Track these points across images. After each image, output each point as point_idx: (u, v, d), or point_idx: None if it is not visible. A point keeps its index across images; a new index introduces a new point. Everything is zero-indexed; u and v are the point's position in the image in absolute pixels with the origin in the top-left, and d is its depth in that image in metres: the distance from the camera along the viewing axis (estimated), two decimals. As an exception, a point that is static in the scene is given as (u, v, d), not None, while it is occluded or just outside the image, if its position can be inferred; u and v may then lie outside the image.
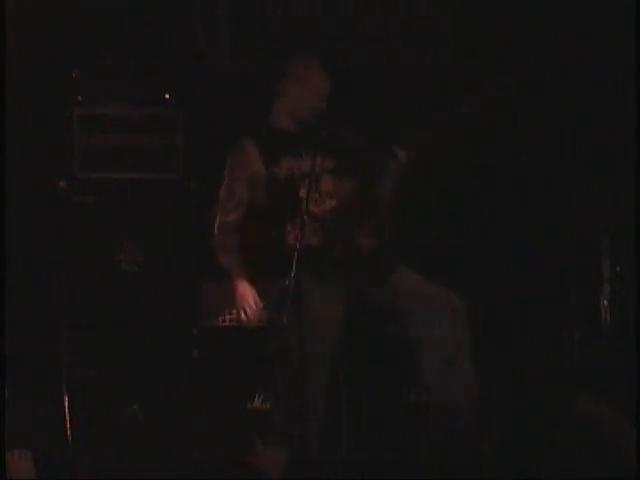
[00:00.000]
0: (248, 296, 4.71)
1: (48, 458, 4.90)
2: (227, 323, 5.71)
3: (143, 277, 5.88)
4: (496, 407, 5.28)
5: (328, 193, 4.69)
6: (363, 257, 4.66)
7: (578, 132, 6.13)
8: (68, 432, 5.53)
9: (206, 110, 6.20)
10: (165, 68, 6.16)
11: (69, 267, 5.88)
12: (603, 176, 5.99)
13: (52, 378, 5.74)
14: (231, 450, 5.21)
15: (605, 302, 5.92)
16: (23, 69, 6.01)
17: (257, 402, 5.59)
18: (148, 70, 6.09)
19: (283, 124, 4.79)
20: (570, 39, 6.13)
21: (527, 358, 5.99)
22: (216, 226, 4.84)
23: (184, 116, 5.98)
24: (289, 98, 4.76)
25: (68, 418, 5.57)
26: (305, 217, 4.38)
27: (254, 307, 4.70)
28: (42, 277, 6.02)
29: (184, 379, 5.71)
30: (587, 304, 5.98)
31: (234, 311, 5.06)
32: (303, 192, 4.52)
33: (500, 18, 6.22)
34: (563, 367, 5.92)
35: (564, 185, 6.18)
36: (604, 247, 5.95)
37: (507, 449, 4.51)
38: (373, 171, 4.70)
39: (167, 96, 6.01)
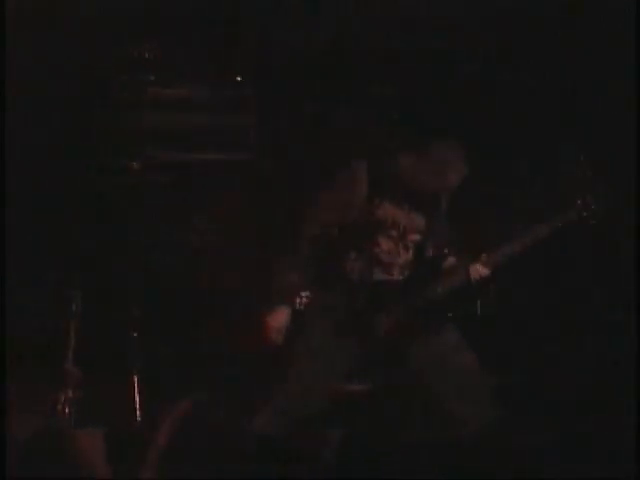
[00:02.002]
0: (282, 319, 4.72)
1: (119, 437, 4.90)
2: (302, 306, 5.67)
3: (216, 258, 5.89)
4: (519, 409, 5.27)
5: (407, 246, 4.72)
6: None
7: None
8: (138, 412, 5.54)
9: (280, 91, 6.18)
10: (240, 50, 6.15)
11: (141, 247, 5.89)
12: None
13: (122, 358, 5.75)
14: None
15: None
16: (93, 51, 6.04)
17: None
18: (223, 52, 6.09)
19: (403, 177, 4.74)
20: (570, 39, 6.06)
21: (554, 360, 5.95)
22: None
23: (258, 97, 5.98)
24: (419, 174, 4.69)
25: (138, 398, 5.57)
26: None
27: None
28: (114, 257, 6.04)
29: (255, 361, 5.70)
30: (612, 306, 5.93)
31: (308, 293, 5.03)
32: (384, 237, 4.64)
33: (500, 18, 6.16)
34: (587, 371, 5.84)
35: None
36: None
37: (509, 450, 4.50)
38: None
39: (239, 78, 6.01)
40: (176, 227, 5.95)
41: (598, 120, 6.05)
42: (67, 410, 5.24)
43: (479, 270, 4.67)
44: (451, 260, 4.78)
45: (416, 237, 4.72)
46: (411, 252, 4.71)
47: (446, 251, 4.79)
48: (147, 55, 6.01)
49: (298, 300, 5.52)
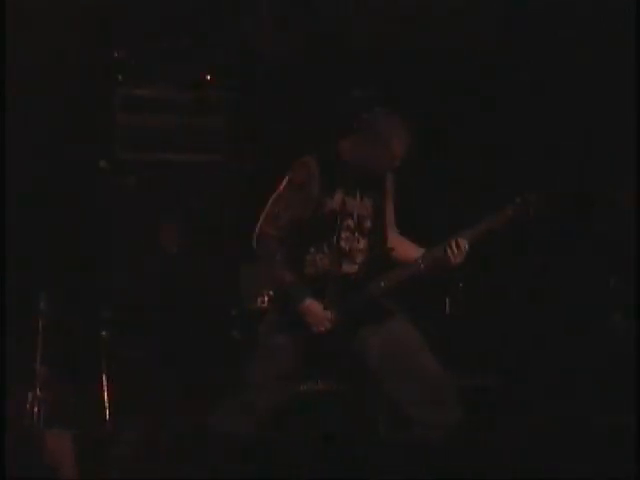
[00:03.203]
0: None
1: (87, 438, 4.91)
2: (265, 304, 5.70)
3: (183, 259, 5.90)
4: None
5: (363, 233, 4.73)
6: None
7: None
8: (107, 413, 5.55)
9: (249, 92, 6.19)
10: (208, 51, 6.15)
11: (110, 248, 5.90)
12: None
13: (91, 360, 5.76)
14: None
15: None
16: (63, 51, 6.02)
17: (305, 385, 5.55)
18: (191, 52, 6.09)
19: (351, 162, 4.74)
20: (570, 39, 6.10)
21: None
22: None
23: (227, 98, 5.99)
24: (365, 150, 4.71)
25: (107, 399, 5.58)
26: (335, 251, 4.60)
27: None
28: (83, 259, 6.04)
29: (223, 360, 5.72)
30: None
31: (271, 292, 5.05)
32: (343, 227, 4.66)
33: (501, 18, 6.20)
34: (587, 371, 5.88)
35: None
36: None
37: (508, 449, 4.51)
38: None
39: (208, 77, 6.01)
40: (145, 227, 5.95)
41: (597, 119, 6.09)
42: (35, 410, 5.23)
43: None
44: (397, 253, 4.80)
45: (369, 224, 4.72)
46: (366, 239, 4.71)
47: (390, 245, 4.80)
48: (116, 55, 6.01)
49: (260, 299, 5.56)
